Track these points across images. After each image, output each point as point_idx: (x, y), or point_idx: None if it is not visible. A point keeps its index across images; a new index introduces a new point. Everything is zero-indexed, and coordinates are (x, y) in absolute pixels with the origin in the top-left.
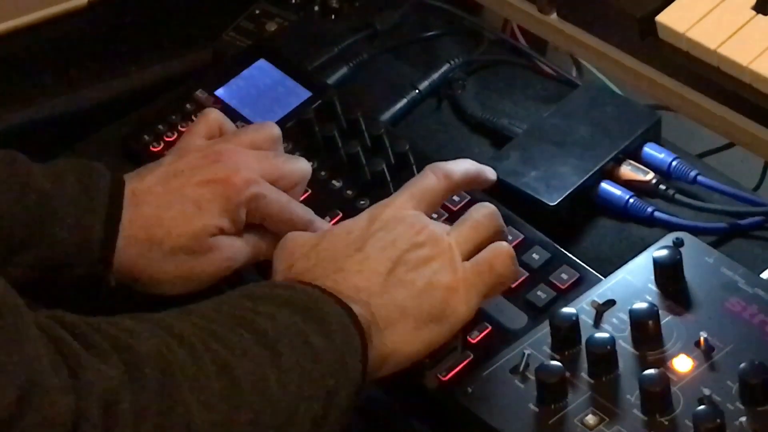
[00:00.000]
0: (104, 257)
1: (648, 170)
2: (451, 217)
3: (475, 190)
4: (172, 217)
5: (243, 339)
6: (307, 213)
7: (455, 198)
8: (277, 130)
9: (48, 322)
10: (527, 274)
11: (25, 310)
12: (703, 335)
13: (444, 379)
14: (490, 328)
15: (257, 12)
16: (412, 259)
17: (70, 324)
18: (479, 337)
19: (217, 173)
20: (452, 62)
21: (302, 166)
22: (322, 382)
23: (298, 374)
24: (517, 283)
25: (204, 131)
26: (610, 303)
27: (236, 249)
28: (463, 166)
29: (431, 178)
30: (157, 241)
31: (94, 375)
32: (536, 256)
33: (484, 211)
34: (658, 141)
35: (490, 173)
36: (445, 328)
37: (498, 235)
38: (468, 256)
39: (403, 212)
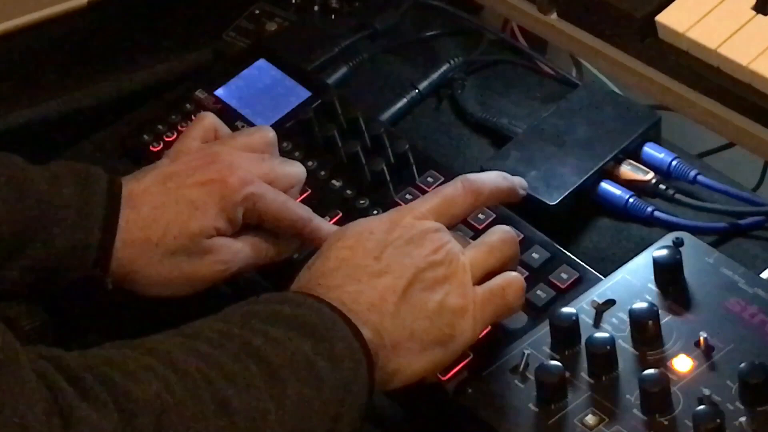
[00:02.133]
0: (101, 260)
1: (648, 170)
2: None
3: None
4: (169, 218)
5: (248, 371)
6: (305, 211)
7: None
8: (272, 134)
9: (45, 366)
10: (527, 273)
11: (24, 356)
12: (703, 335)
13: (444, 378)
14: (489, 327)
15: (257, 12)
16: (428, 279)
17: (67, 368)
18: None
19: (213, 174)
20: (452, 62)
21: (297, 170)
22: (325, 412)
23: (300, 408)
24: None
25: (200, 134)
26: (610, 303)
27: (233, 252)
28: (494, 181)
29: (459, 192)
30: (154, 242)
31: (87, 426)
32: (536, 255)
33: (504, 237)
34: (658, 141)
35: (521, 189)
36: (448, 352)
37: (512, 262)
38: (479, 280)
39: (424, 224)
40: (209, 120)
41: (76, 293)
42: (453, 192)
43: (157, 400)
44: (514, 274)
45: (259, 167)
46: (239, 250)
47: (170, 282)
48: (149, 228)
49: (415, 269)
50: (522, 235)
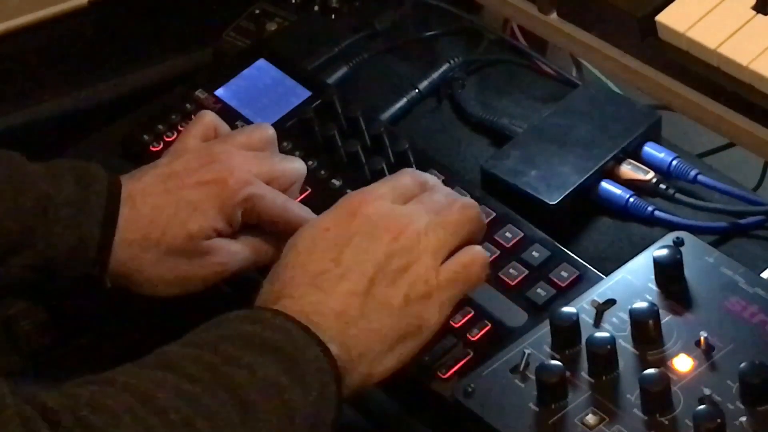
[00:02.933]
0: (100, 259)
1: (648, 169)
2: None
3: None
4: (168, 219)
5: (224, 407)
6: (304, 212)
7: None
8: (271, 131)
9: (30, 412)
10: (527, 271)
11: (10, 401)
12: (703, 335)
13: (444, 377)
14: (489, 325)
15: (257, 12)
16: (390, 271)
17: (50, 412)
18: (479, 335)
19: (212, 175)
20: (452, 62)
21: (297, 166)
22: None
23: None
24: (517, 280)
25: (200, 133)
26: (611, 302)
27: (232, 253)
28: (434, 178)
29: (409, 179)
30: (153, 242)
31: None
32: (536, 254)
33: (469, 214)
34: (658, 140)
35: None
36: (418, 341)
37: (477, 236)
38: (444, 259)
39: (381, 207)
40: (209, 118)
41: (75, 291)
42: (403, 178)
43: None
44: (477, 249)
45: (259, 166)
46: (238, 251)
47: (168, 282)
48: (148, 228)
49: (375, 266)
50: (522, 233)
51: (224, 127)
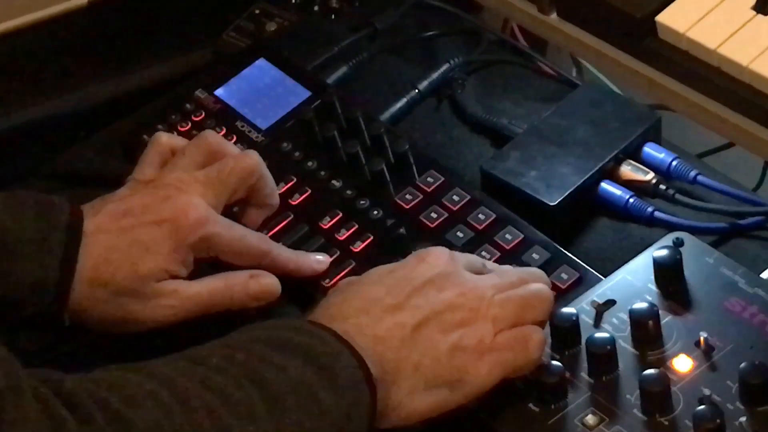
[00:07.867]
0: (59, 297)
1: (648, 170)
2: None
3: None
4: (119, 259)
5: (250, 399)
6: (263, 243)
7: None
8: (209, 138)
9: (46, 393)
10: None
11: (26, 383)
12: (703, 335)
13: None
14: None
15: (257, 12)
16: (445, 321)
17: (68, 394)
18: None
19: (166, 213)
20: (452, 62)
21: (248, 162)
22: None
23: None
24: None
25: (156, 160)
26: (610, 303)
27: (183, 297)
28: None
29: (479, 261)
30: (103, 282)
31: None
32: (536, 255)
33: (542, 297)
34: (658, 141)
35: None
36: (457, 394)
37: (542, 321)
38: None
39: (453, 265)
40: (164, 140)
41: (35, 327)
42: (476, 258)
43: (156, 429)
44: (536, 328)
45: (213, 187)
46: (191, 296)
47: (117, 322)
48: (99, 267)
49: (432, 311)
50: (522, 235)
51: (181, 143)
